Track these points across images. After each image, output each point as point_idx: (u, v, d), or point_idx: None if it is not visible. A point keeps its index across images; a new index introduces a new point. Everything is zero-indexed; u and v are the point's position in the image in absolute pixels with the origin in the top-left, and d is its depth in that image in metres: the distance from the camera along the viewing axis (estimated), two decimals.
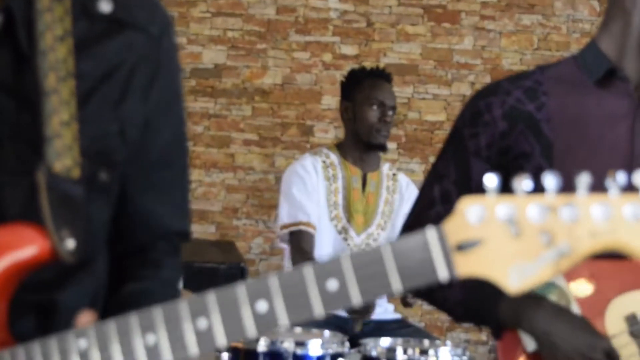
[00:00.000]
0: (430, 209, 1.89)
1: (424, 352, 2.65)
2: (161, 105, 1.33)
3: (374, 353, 2.66)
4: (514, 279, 0.88)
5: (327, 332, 2.76)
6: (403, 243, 0.92)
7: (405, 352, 2.64)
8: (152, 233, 1.37)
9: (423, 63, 5.41)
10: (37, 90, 1.19)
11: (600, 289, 1.77)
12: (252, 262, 5.28)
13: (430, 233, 0.91)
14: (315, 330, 2.81)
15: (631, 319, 1.75)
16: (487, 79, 5.36)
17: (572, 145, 1.80)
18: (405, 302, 3.55)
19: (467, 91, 5.38)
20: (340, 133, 5.23)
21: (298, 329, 2.83)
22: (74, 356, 1.06)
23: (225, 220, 5.37)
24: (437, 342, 2.82)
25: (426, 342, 2.82)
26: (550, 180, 0.87)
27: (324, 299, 0.95)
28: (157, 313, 1.02)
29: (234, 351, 2.60)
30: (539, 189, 0.88)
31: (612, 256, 1.74)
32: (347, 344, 2.68)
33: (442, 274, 0.90)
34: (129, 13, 1.30)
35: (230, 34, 5.38)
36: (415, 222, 1.94)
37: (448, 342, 2.75)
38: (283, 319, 0.97)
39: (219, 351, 2.58)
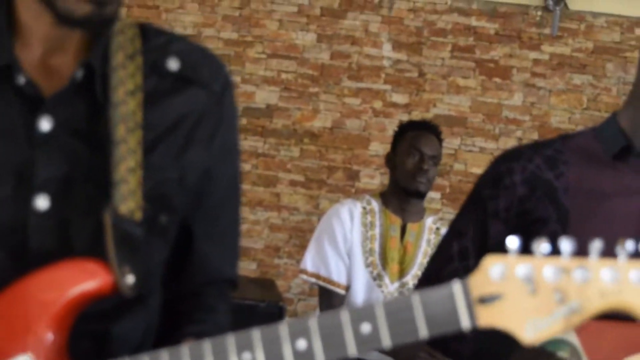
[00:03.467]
0: (448, 264, 1.97)
1: None
2: (221, 155, 1.45)
3: None
4: (529, 332, 1.01)
5: None
6: (431, 294, 1.05)
7: None
8: (205, 277, 1.49)
9: (472, 116, 5.53)
10: (108, 139, 1.32)
11: (612, 348, 1.82)
12: (290, 301, 5.40)
13: (456, 286, 1.04)
14: None
15: None
16: (535, 136, 5.47)
17: (587, 214, 1.86)
18: None
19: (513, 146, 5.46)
20: (386, 179, 5.34)
21: None
22: None
23: (267, 258, 5.51)
24: None
25: None
26: (565, 244, 0.99)
27: (358, 341, 1.07)
28: (207, 346, 1.16)
29: None
30: (554, 252, 1.00)
31: (626, 318, 1.82)
32: None
33: (465, 324, 1.03)
34: (195, 71, 1.43)
35: (284, 75, 5.55)
36: (432, 276, 2.02)
37: None
38: (320, 356, 1.09)
39: None
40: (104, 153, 1.33)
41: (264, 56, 5.55)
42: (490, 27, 5.52)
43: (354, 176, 5.52)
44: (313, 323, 1.09)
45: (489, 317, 1.02)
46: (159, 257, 1.41)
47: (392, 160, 3.85)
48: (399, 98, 5.55)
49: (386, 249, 3.76)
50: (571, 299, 0.99)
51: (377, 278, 3.74)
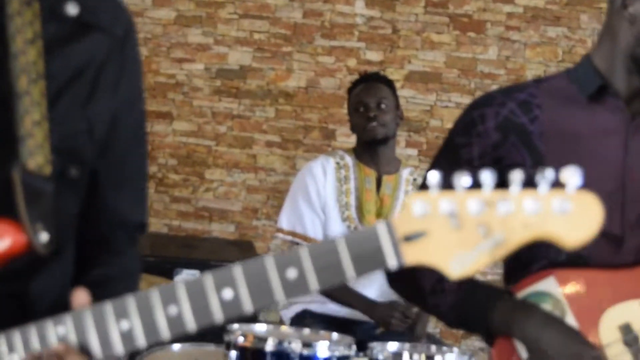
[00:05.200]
0: None
1: (430, 358, 2.65)
2: (126, 102, 1.42)
3: (380, 357, 2.67)
4: (455, 267, 1.01)
5: (335, 334, 2.81)
6: (356, 235, 1.05)
7: (411, 357, 2.65)
8: (113, 223, 1.46)
9: (447, 71, 5.51)
10: (10, 92, 1.28)
11: (596, 298, 1.83)
12: None
13: (380, 226, 1.03)
14: (323, 332, 2.87)
15: (625, 329, 1.81)
16: None
17: (562, 157, 1.85)
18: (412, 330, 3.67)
19: None
20: None
21: (306, 330, 2.90)
22: (53, 341, 1.17)
23: (245, 220, 5.51)
24: (444, 348, 2.85)
25: (433, 347, 2.86)
26: (487, 176, 0.99)
27: (285, 286, 1.07)
28: (130, 301, 1.15)
29: (241, 350, 2.63)
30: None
31: (608, 266, 1.80)
32: (354, 347, 2.70)
33: (391, 262, 1.03)
34: (95, 15, 1.39)
35: (256, 36, 5.52)
36: None
37: (455, 349, 2.78)
38: (247, 305, 1.09)
39: (228, 349, 2.65)
40: (6, 107, 1.28)
41: (235, 17, 5.52)
42: None
43: (330, 135, 5.51)
44: (238, 271, 1.09)
45: (415, 255, 1.02)
46: (71, 210, 1.38)
47: (351, 122, 3.90)
48: (373, 55, 5.53)
49: (362, 202, 3.77)
50: (495, 232, 0.99)
51: None
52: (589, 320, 1.81)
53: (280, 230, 3.88)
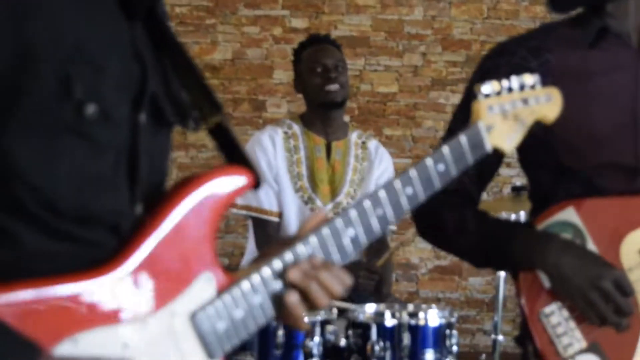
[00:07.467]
0: None
1: (412, 315, 2.76)
2: None
3: (361, 318, 2.78)
4: (509, 143, 1.65)
5: None
6: (467, 132, 1.57)
7: (393, 316, 2.75)
8: None
9: (374, 35, 5.71)
10: (165, 40, 1.38)
11: (614, 224, 1.98)
12: None
13: (479, 124, 1.60)
14: None
15: None
16: (439, 49, 5.69)
17: (573, 95, 1.95)
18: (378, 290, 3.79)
19: (418, 62, 5.69)
20: (293, 107, 5.51)
21: None
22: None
23: None
24: (424, 305, 2.95)
25: (411, 306, 2.96)
26: (514, 81, 1.65)
27: (441, 179, 1.53)
28: (352, 211, 1.46)
29: None
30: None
31: (627, 193, 1.95)
32: (335, 310, 2.82)
33: (488, 147, 1.59)
34: None
35: (177, 9, 5.62)
36: None
37: (433, 305, 2.89)
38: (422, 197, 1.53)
39: None
40: (162, 56, 1.39)
41: None
42: None
43: (260, 107, 5.65)
44: (413, 173, 1.51)
45: (491, 140, 1.60)
46: None
47: (299, 85, 3.96)
48: (299, 22, 5.69)
49: (314, 171, 3.86)
50: (525, 119, 1.67)
51: (309, 202, 3.82)
52: (610, 246, 1.96)
53: (234, 205, 3.91)
